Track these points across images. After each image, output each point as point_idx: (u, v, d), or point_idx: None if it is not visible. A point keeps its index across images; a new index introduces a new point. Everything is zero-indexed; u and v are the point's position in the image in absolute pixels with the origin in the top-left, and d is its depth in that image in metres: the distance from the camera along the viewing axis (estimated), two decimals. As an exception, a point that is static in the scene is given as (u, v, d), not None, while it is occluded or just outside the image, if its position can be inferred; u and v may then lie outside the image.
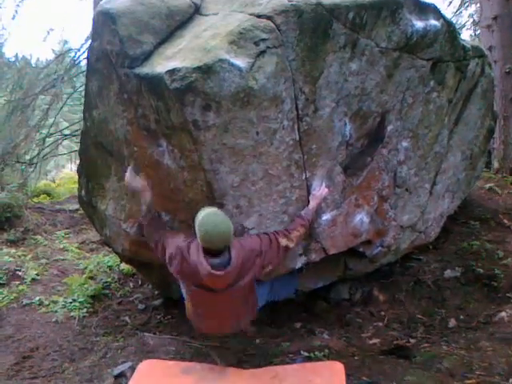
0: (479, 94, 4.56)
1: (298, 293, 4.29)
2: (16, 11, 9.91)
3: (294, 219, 3.38)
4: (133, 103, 3.18)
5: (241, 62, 2.82)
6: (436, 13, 3.63)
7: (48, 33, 11.13)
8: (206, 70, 2.74)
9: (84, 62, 9.85)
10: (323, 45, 3.12)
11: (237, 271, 2.92)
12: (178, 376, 3.04)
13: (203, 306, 3.19)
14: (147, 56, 3.03)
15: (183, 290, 3.36)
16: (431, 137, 4.14)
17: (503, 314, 4.12)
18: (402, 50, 3.50)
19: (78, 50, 9.70)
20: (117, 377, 3.21)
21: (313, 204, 3.43)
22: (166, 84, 2.76)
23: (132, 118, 3.26)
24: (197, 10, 3.34)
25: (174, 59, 2.88)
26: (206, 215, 2.87)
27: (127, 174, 3.35)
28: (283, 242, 3.22)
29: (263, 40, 2.87)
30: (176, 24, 3.20)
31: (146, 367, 3.11)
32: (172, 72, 2.75)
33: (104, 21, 3.08)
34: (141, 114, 3.16)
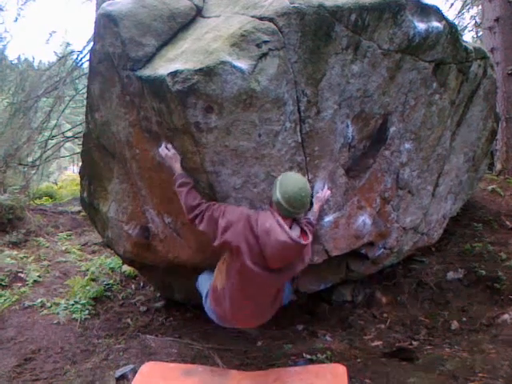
0: (481, 96, 4.54)
1: (299, 295, 4.28)
2: (19, 14, 9.96)
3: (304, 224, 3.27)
4: (135, 105, 3.18)
5: (243, 64, 2.82)
6: (438, 15, 3.61)
7: (50, 35, 11.21)
8: (208, 72, 2.74)
9: (86, 65, 9.88)
10: (325, 47, 3.11)
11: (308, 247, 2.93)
12: (179, 378, 3.03)
13: (243, 290, 2.96)
14: (149, 58, 3.04)
15: (222, 268, 3.08)
16: (433, 139, 4.12)
17: (506, 316, 4.11)
18: (404, 51, 3.49)
19: (81, 52, 9.76)
20: (119, 379, 3.21)
21: (316, 207, 3.43)
22: (168, 86, 2.77)
23: (134, 120, 3.27)
24: (199, 13, 3.34)
25: (176, 61, 2.88)
26: (288, 177, 2.88)
27: (162, 148, 3.15)
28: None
29: (265, 42, 2.87)
30: (178, 26, 3.19)
31: (148, 369, 3.11)
32: (174, 74, 2.76)
33: (106, 23, 3.09)
34: (143, 116, 3.16)
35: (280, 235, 2.72)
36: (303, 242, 2.79)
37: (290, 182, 2.84)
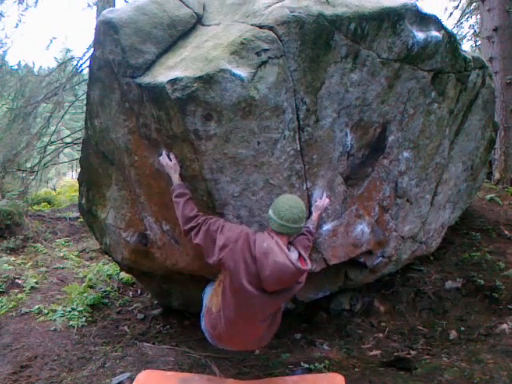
0: (480, 105, 4.56)
1: (297, 304, 4.26)
2: (19, 20, 10.00)
3: (304, 233, 3.22)
4: (134, 112, 3.18)
5: (242, 72, 2.82)
6: (437, 24, 3.63)
7: (51, 41, 11.24)
8: (207, 80, 2.75)
9: (86, 71, 9.90)
10: (325, 55, 3.13)
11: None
12: (176, 387, 3.02)
13: (239, 312, 2.85)
14: (149, 65, 3.05)
15: (218, 290, 2.99)
16: (432, 147, 4.13)
17: (504, 326, 4.10)
18: (403, 60, 3.51)
19: (81, 58, 9.79)
20: (115, 387, 3.19)
21: (315, 215, 3.42)
22: (168, 94, 2.77)
23: (133, 127, 3.27)
24: (199, 20, 3.35)
25: (175, 69, 2.89)
26: (282, 196, 2.94)
27: (163, 156, 3.12)
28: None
29: (265, 50, 2.88)
30: (178, 34, 3.21)
31: (145, 378, 3.08)
32: (174, 82, 2.76)
33: (106, 30, 3.10)
34: (142, 123, 3.16)
35: (279, 257, 2.65)
36: (302, 268, 2.72)
37: (283, 199, 2.88)
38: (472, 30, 12.13)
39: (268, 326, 3.03)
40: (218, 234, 2.82)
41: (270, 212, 2.85)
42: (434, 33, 3.56)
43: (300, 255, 2.87)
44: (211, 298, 3.06)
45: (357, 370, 3.59)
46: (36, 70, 13.66)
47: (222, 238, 2.79)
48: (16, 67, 11.97)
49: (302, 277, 2.83)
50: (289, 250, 2.81)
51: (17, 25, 10.50)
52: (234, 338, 3.01)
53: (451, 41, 3.74)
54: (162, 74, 2.91)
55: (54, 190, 16.19)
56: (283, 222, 2.76)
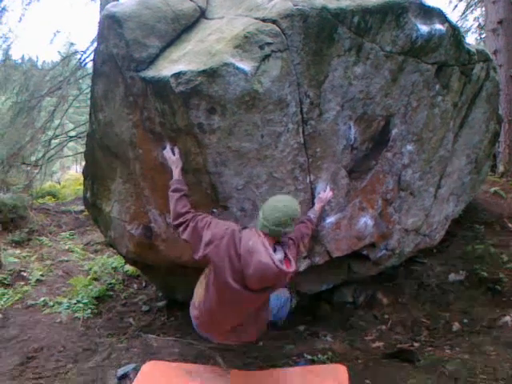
0: (484, 98, 4.55)
1: (300, 296, 4.28)
2: (23, 14, 10.02)
3: (303, 221, 3.31)
4: (138, 106, 3.20)
5: (246, 65, 2.84)
6: (441, 17, 3.62)
7: (54, 35, 11.24)
8: (211, 74, 2.76)
9: (90, 65, 9.92)
10: (328, 49, 3.13)
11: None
12: (181, 377, 3.05)
13: (223, 305, 2.90)
14: (153, 59, 3.06)
15: (203, 282, 3.04)
16: (436, 140, 4.13)
17: (507, 318, 4.11)
18: (406, 54, 3.50)
19: (84, 52, 9.79)
20: (120, 378, 3.22)
21: (318, 206, 3.44)
22: (172, 87, 2.78)
23: (137, 121, 3.28)
24: (202, 14, 3.36)
25: (179, 63, 2.90)
26: (274, 196, 2.91)
27: (167, 149, 3.16)
28: (301, 247, 3.20)
29: (268, 44, 2.89)
30: (182, 28, 3.21)
31: (150, 368, 3.13)
32: (177, 75, 2.78)
33: (110, 24, 3.10)
34: (146, 116, 3.18)
35: (263, 257, 2.65)
36: (286, 269, 2.71)
37: (273, 200, 2.86)
38: (477, 23, 12.06)
39: (253, 320, 3.06)
40: (204, 231, 2.85)
41: (260, 210, 2.87)
42: (438, 26, 3.56)
43: (286, 256, 2.86)
44: (197, 289, 3.10)
45: (360, 361, 3.62)
46: (40, 64, 13.69)
47: (208, 234, 2.81)
48: (20, 61, 11.98)
49: (285, 277, 2.82)
50: (275, 249, 2.81)
51: (20, 19, 10.48)
52: (216, 329, 3.08)
53: (455, 34, 3.73)
54: (165, 68, 2.92)
55: (59, 183, 16.26)
56: (266, 222, 2.77)
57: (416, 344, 3.95)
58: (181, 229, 2.94)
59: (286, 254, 2.85)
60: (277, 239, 2.87)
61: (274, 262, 2.63)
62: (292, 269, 2.78)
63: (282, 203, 2.80)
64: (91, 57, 9.44)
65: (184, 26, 3.23)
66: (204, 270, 3.06)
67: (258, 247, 2.67)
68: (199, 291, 3.05)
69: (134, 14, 3.05)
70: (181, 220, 2.94)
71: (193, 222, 2.90)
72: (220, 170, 3.09)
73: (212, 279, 2.87)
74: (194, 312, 3.12)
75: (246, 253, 2.68)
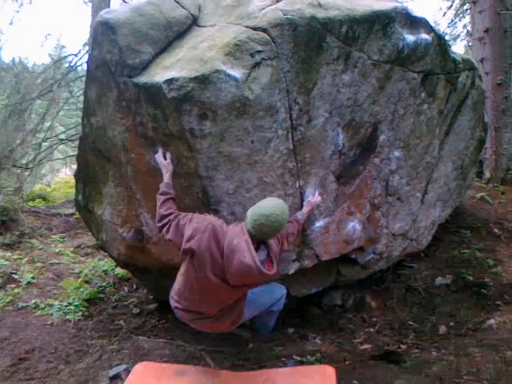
0: (470, 106, 4.64)
1: (290, 299, 4.32)
2: (14, 17, 10.01)
3: (291, 221, 3.38)
4: (131, 111, 3.25)
5: (237, 72, 2.91)
6: (427, 27, 3.70)
7: (46, 38, 11.26)
8: (202, 80, 2.83)
9: (81, 68, 9.94)
10: (317, 57, 3.21)
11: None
12: (172, 378, 3.09)
13: (201, 295, 3.02)
14: (146, 65, 3.12)
15: (183, 271, 3.12)
16: (422, 147, 4.22)
17: (492, 321, 4.18)
18: (393, 62, 3.59)
19: (76, 55, 9.79)
20: (112, 378, 3.24)
21: (306, 209, 3.52)
22: (164, 93, 2.84)
23: (130, 126, 3.33)
24: (194, 21, 3.42)
25: (171, 69, 2.96)
26: (265, 202, 2.93)
27: (159, 154, 3.22)
28: (285, 245, 3.27)
29: (259, 52, 2.96)
30: (174, 35, 3.28)
31: (141, 369, 3.16)
32: (170, 82, 2.84)
33: (104, 31, 3.16)
34: (139, 121, 3.23)
35: (245, 257, 2.71)
36: (266, 272, 2.79)
37: (262, 204, 2.89)
38: (465, 30, 12.21)
39: (228, 312, 3.17)
40: (186, 226, 2.91)
41: (248, 214, 2.91)
42: (424, 35, 3.64)
43: (269, 256, 2.93)
44: (178, 275, 3.17)
45: (348, 362, 3.66)
46: (30, 66, 13.63)
47: (190, 229, 2.87)
48: (10, 64, 11.94)
49: (266, 278, 2.90)
50: (258, 249, 2.88)
51: (11, 21, 10.48)
52: (191, 316, 3.19)
53: (441, 43, 3.82)
54: (158, 74, 2.98)
55: (49, 186, 16.16)
56: (252, 230, 2.84)
57: (403, 346, 4.00)
58: (164, 230, 3.01)
59: (269, 253, 2.93)
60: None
61: (256, 264, 2.71)
62: (273, 271, 2.87)
63: (268, 210, 2.83)
64: (83, 60, 9.47)
65: (176, 33, 3.29)
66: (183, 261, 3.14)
67: (241, 247, 2.74)
68: (179, 278, 3.15)
69: (128, 20, 3.11)
70: (164, 221, 3.02)
71: (175, 221, 2.97)
72: (211, 174, 3.14)
73: (192, 271, 2.95)
74: (172, 293, 3.23)
75: (230, 251, 2.75)
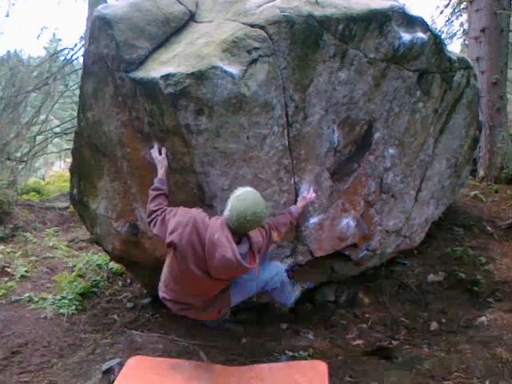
0: (464, 105, 4.67)
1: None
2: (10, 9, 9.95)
3: (283, 212, 3.42)
4: (127, 106, 3.25)
5: (233, 69, 2.92)
6: (423, 26, 3.73)
7: (42, 31, 11.16)
8: (199, 76, 2.84)
9: (77, 61, 9.90)
10: (313, 54, 3.23)
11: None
12: (165, 372, 3.10)
13: (184, 286, 3.08)
14: (142, 61, 3.12)
15: (167, 264, 3.14)
16: (417, 145, 4.25)
17: (483, 318, 4.22)
18: (389, 61, 3.61)
19: (72, 49, 9.75)
20: (105, 372, 3.24)
21: (300, 204, 3.54)
22: (161, 88, 2.85)
23: (126, 121, 3.34)
24: (192, 17, 3.43)
25: (168, 65, 2.96)
26: (245, 192, 2.89)
27: (154, 149, 3.25)
28: (274, 236, 3.27)
29: (256, 49, 2.98)
30: (171, 30, 3.28)
31: (135, 363, 3.17)
32: (166, 77, 2.84)
33: (101, 25, 3.16)
34: (135, 116, 3.24)
35: (226, 252, 2.73)
36: (247, 266, 2.82)
37: (241, 201, 2.84)
38: (462, 28, 12.23)
39: (213, 301, 3.20)
40: (170, 220, 2.93)
41: (228, 210, 2.88)
42: (420, 34, 3.66)
43: (251, 248, 2.94)
44: (164, 267, 3.20)
45: (340, 358, 3.69)
46: (25, 59, 13.55)
47: (173, 223, 2.89)
48: (5, 56, 11.86)
49: (247, 271, 2.94)
50: (240, 242, 2.89)
51: (7, 14, 10.42)
52: (181, 308, 3.24)
53: (436, 42, 3.84)
54: (155, 70, 2.98)
55: (43, 179, 16.11)
56: (231, 223, 2.84)
57: (395, 342, 4.03)
58: (152, 225, 3.05)
59: (250, 246, 2.94)
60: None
61: (237, 258, 2.73)
62: (254, 264, 2.90)
63: (246, 214, 2.79)
64: (79, 53, 9.44)
65: (174, 29, 3.30)
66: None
67: (222, 241, 2.76)
68: (164, 270, 3.19)
69: (125, 16, 3.11)
70: (152, 216, 3.06)
71: (161, 216, 3.00)
72: (206, 169, 3.16)
73: (175, 264, 2.98)
74: (160, 285, 3.26)
75: (211, 245, 2.77)
